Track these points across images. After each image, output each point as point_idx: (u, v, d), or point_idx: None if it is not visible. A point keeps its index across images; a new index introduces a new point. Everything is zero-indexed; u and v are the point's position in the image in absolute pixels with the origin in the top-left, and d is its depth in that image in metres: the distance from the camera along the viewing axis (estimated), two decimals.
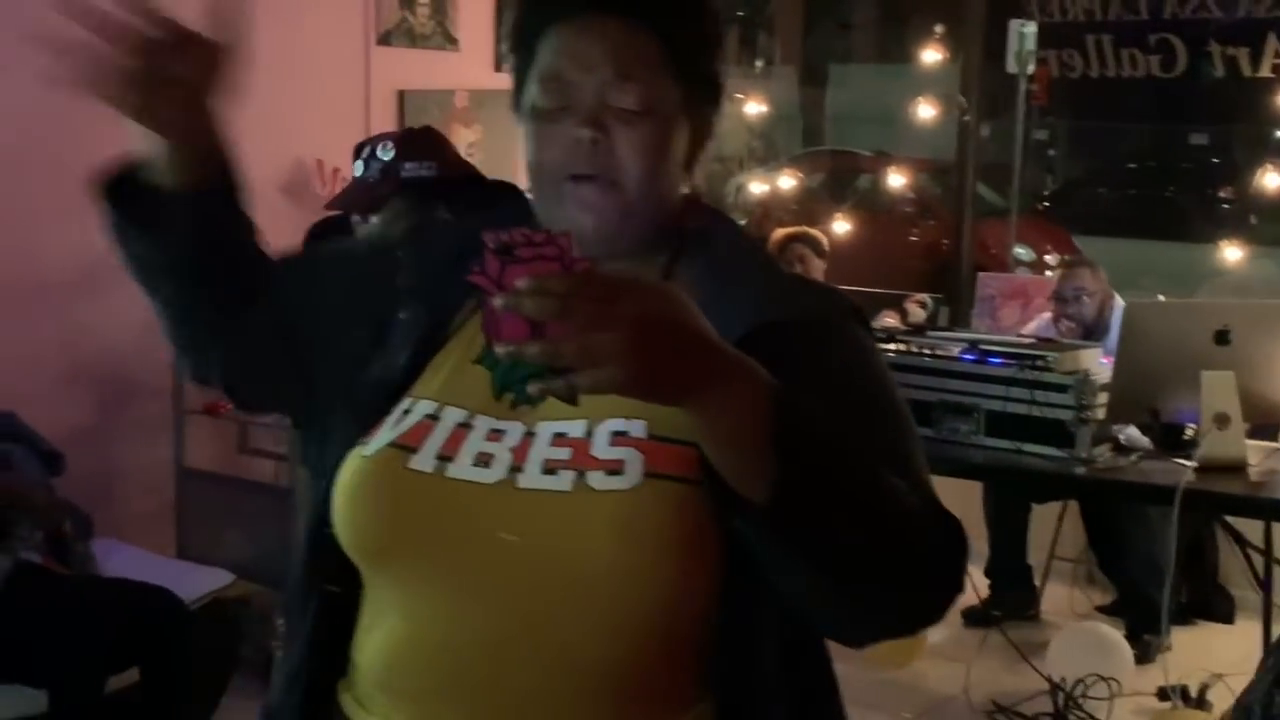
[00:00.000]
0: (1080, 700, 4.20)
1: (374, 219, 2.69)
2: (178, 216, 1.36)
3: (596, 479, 1.21)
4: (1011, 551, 5.08)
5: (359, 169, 2.74)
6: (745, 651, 1.25)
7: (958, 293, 6.34)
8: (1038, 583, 5.16)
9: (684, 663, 1.25)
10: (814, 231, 5.77)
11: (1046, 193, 14.41)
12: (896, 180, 7.81)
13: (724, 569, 1.21)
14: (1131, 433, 4.08)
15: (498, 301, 1.03)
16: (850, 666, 4.80)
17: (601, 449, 1.22)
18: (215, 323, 1.44)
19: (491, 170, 5.73)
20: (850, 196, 10.02)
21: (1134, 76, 8.08)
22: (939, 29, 7.21)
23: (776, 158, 10.03)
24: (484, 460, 1.26)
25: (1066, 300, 5.02)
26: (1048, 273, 6.49)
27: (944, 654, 4.77)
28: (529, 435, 1.27)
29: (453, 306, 1.35)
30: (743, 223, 8.06)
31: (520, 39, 1.36)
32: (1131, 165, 14.86)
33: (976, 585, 4.92)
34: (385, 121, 5.28)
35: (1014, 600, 5.06)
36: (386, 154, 2.70)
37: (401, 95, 5.38)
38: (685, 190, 1.38)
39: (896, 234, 10.05)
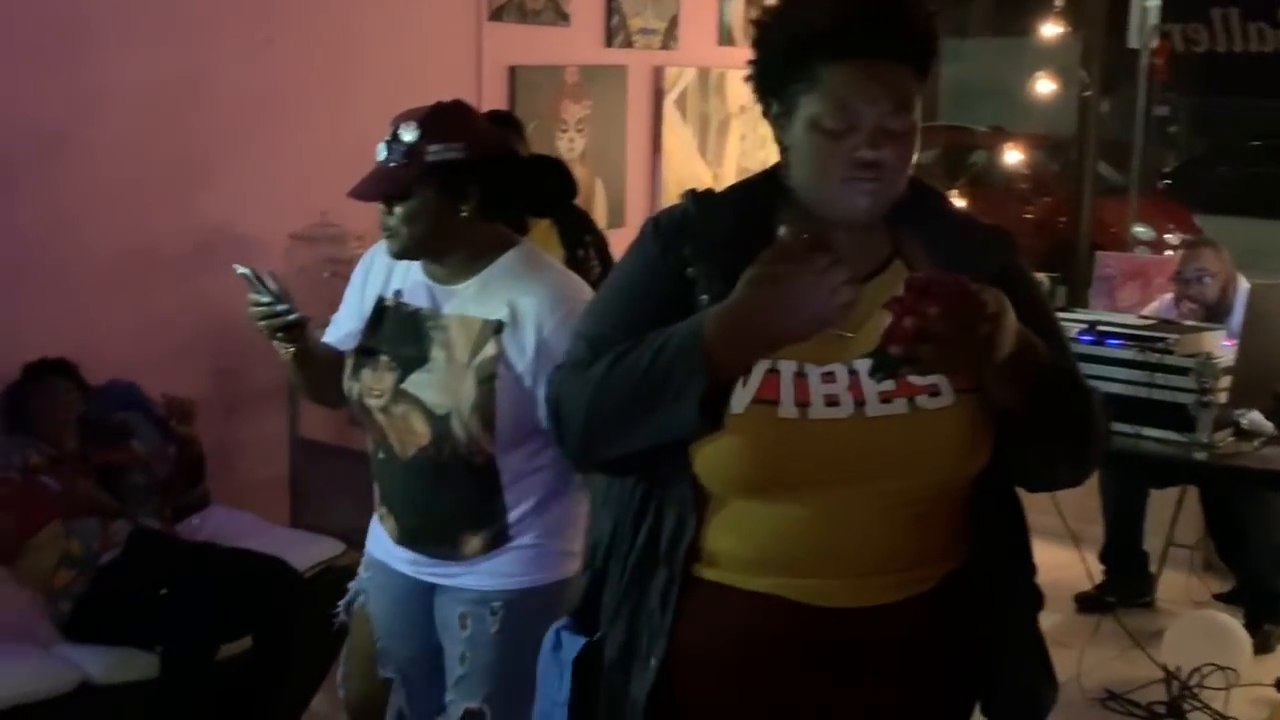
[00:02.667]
0: (1196, 690, 4.10)
1: (399, 208, 2.39)
2: None
3: (924, 401, 1.68)
4: (1128, 537, 4.98)
5: (381, 152, 2.42)
6: (989, 498, 1.76)
7: (1075, 272, 6.22)
8: (1154, 569, 5.05)
9: (960, 513, 1.76)
10: None
11: (1167, 170, 14.08)
12: (1013, 156, 7.65)
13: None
14: (1254, 417, 3.97)
15: (908, 322, 1.49)
16: None
17: (915, 377, 1.65)
18: None
19: (600, 144, 5.78)
20: (964, 173, 9.86)
21: (1261, 51, 7.84)
22: (1059, 2, 7.05)
23: None
24: (833, 401, 1.68)
25: (1188, 281, 4.90)
26: (1168, 252, 6.34)
27: (1056, 640, 4.61)
28: (853, 373, 1.69)
29: (739, 269, 1.65)
30: None
31: (798, 55, 1.70)
32: (1255, 142, 14.46)
33: (1091, 570, 4.82)
34: (497, 97, 5.29)
35: (1129, 586, 4.96)
36: (410, 135, 2.39)
37: (512, 71, 5.39)
38: None
39: (1011, 211, 9.87)
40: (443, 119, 2.41)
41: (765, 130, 6.23)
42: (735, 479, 1.70)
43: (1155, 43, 6.54)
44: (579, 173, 5.66)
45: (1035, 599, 1.91)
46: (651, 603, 1.75)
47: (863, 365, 1.65)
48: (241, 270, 2.46)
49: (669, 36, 5.99)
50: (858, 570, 1.71)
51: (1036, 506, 5.23)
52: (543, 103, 5.49)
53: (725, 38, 6.23)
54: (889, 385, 1.66)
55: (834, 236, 1.71)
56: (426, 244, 2.42)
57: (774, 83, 1.74)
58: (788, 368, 1.68)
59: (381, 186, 2.40)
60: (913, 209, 1.77)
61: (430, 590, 2.53)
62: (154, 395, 4.16)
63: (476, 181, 2.40)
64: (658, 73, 5.94)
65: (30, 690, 3.37)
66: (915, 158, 1.75)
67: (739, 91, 6.25)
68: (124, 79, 4.24)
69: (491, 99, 5.24)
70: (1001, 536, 1.80)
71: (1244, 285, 4.81)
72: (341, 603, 2.75)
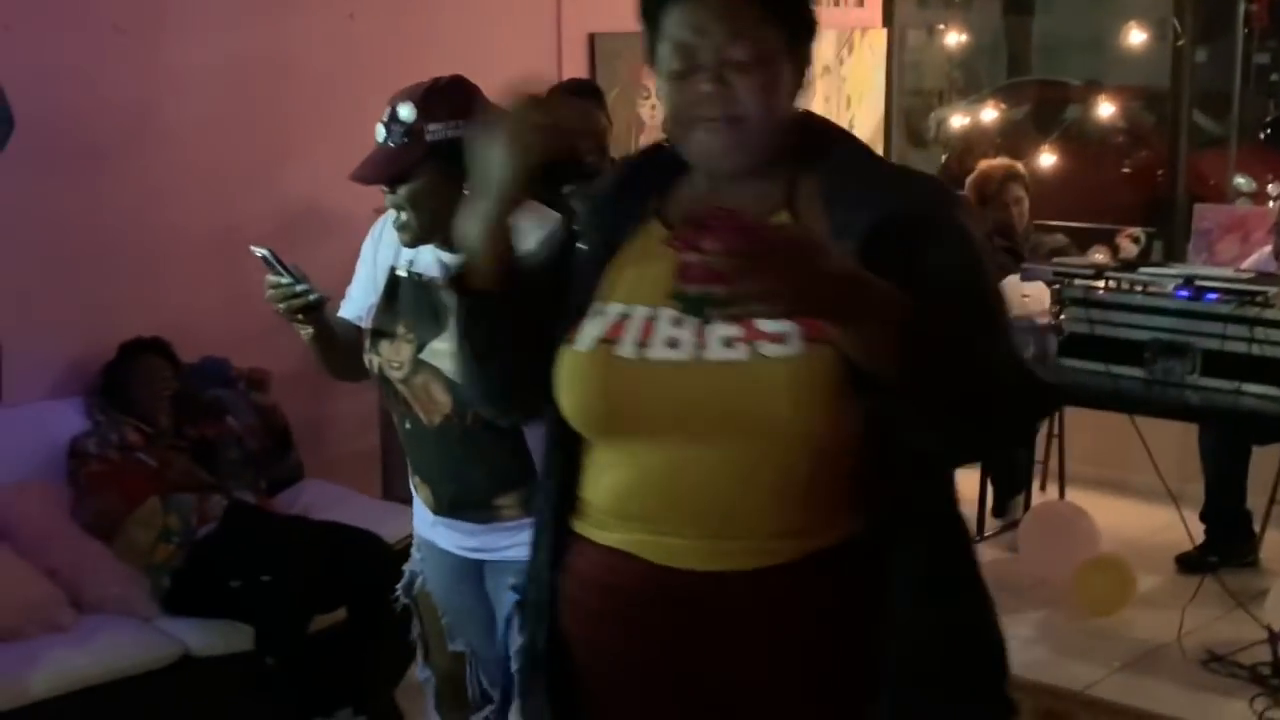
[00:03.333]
0: None
1: (402, 189, 2.34)
2: (501, 307, 1.70)
3: (766, 348, 1.57)
4: (1229, 496, 4.87)
5: (380, 133, 2.37)
6: (885, 472, 1.59)
7: (1172, 226, 6.07)
8: (1257, 528, 4.94)
9: (842, 483, 1.61)
10: (1019, 166, 5.56)
11: (1268, 120, 13.70)
12: (1106, 110, 7.48)
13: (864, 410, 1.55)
14: None
15: (690, 258, 1.36)
16: (1058, 614, 4.70)
17: (766, 323, 1.56)
18: (523, 383, 1.74)
19: None
20: (1057, 128, 9.67)
21: None
22: None
23: (979, 89, 9.73)
24: (673, 343, 1.61)
25: None
26: (1270, 204, 6.17)
27: (1156, 601, 4.61)
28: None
29: (621, 230, 1.70)
30: (944, 158, 7.83)
31: (647, 12, 1.66)
32: None
33: (1192, 531, 4.73)
34: (577, 65, 5.28)
35: (1231, 546, 4.85)
36: (408, 114, 2.33)
37: (592, 38, 5.37)
38: (798, 110, 1.69)
39: (1107, 166, 9.67)
40: (441, 96, 2.35)
41: (850, 90, 6.14)
42: (578, 419, 1.67)
43: None
44: (662, 140, 5.63)
45: (958, 596, 1.69)
46: (539, 555, 1.76)
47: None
48: (259, 251, 2.44)
49: None
50: (707, 531, 1.62)
51: (1135, 465, 5.16)
52: (624, 70, 5.46)
53: None
54: (736, 331, 1.58)
55: (722, 188, 1.66)
56: (435, 228, 2.35)
57: (648, 44, 1.69)
58: (642, 312, 1.64)
59: (383, 169, 2.35)
60: (818, 155, 1.67)
61: (479, 565, 2.53)
62: (244, 371, 4.23)
63: None
64: None
65: (133, 662, 3.44)
66: (795, 95, 1.66)
67: (824, 52, 6.17)
68: (206, 57, 4.28)
69: (572, 67, 5.23)
70: (901, 515, 1.61)
71: None
72: (399, 585, 2.75)
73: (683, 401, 1.60)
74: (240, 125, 4.36)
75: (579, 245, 1.74)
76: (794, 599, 1.63)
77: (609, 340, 1.64)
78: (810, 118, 1.72)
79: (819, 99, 6.20)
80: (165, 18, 4.22)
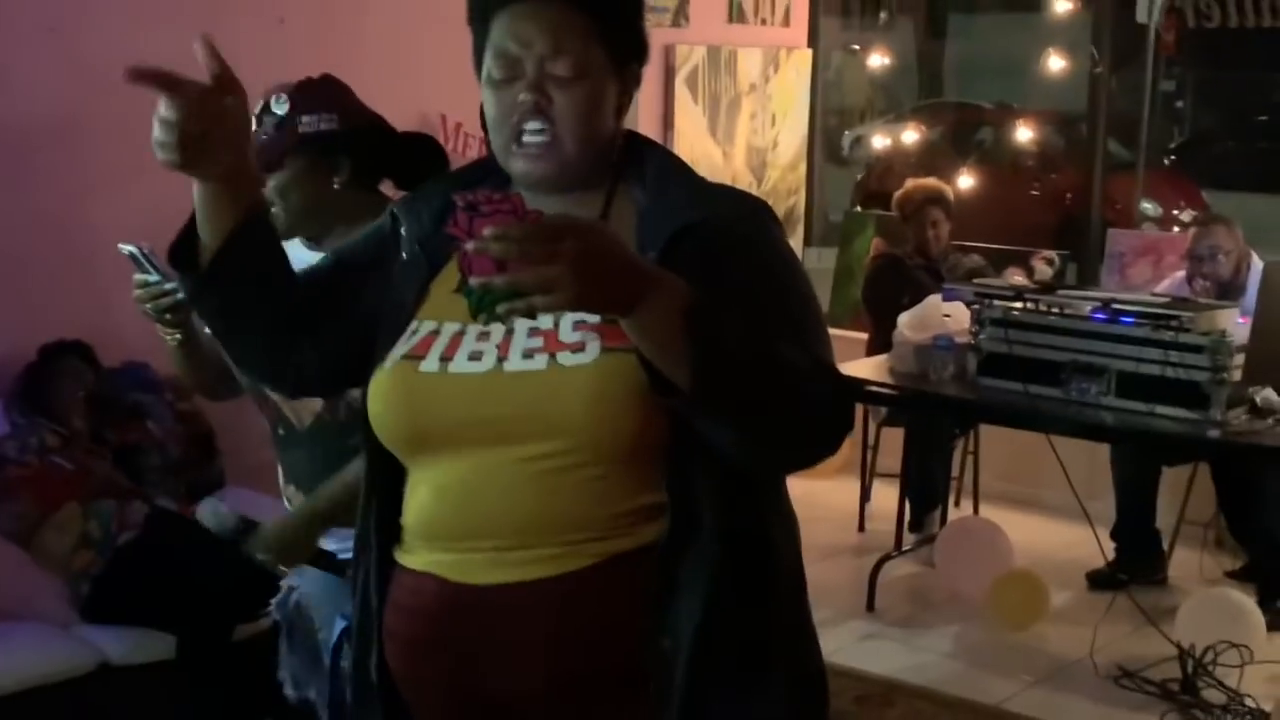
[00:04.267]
0: (1210, 667, 4.11)
1: (272, 180, 2.36)
2: (240, 253, 1.67)
3: (565, 358, 1.57)
4: (1140, 515, 4.98)
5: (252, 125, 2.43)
6: (691, 472, 1.56)
7: (1086, 249, 6.21)
8: (1166, 546, 5.06)
9: (648, 486, 1.59)
10: (945, 189, 5.65)
11: (1174, 146, 14.03)
12: (1022, 134, 7.63)
13: (669, 416, 1.52)
14: (1268, 395, 3.98)
15: (469, 246, 1.35)
16: (972, 628, 4.79)
17: (566, 334, 1.58)
18: (290, 339, 1.75)
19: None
20: (973, 149, 9.84)
21: (1273, 26, 7.81)
22: None
23: (898, 109, 9.88)
24: (476, 356, 1.61)
25: (1202, 259, 4.89)
26: (1176, 229, 6.33)
27: (1068, 617, 4.70)
28: (509, 332, 1.61)
29: (444, 249, 1.66)
30: (860, 176, 7.93)
31: (476, 17, 1.67)
32: (1263, 117, 14.42)
33: (1104, 548, 4.84)
34: None
35: (1141, 564, 4.96)
36: (281, 107, 2.39)
37: None
38: (623, 129, 1.71)
39: (1020, 188, 9.86)
40: (313, 91, 2.42)
41: (776, 107, 6.23)
42: (384, 435, 1.66)
43: (1158, 18, 6.52)
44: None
45: (750, 614, 1.62)
46: (363, 585, 1.74)
47: (522, 324, 1.59)
48: (126, 249, 2.41)
49: (679, 14, 5.98)
50: (503, 543, 1.60)
51: (1048, 482, 5.27)
52: None
53: (736, 15, 6.21)
54: (537, 342, 1.58)
55: (540, 203, 1.58)
56: (303, 219, 2.38)
57: (475, 49, 1.68)
58: (451, 328, 1.64)
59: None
60: (632, 170, 1.68)
61: None
62: (167, 377, 4.17)
63: (348, 153, 2.40)
64: (668, 51, 5.93)
65: (50, 670, 3.39)
66: (618, 114, 1.67)
67: (750, 70, 6.23)
68: (133, 58, 4.22)
69: None
70: (694, 524, 1.57)
71: (1258, 263, 4.80)
72: (274, 600, 2.71)
73: (482, 413, 1.59)
74: None
75: (401, 252, 1.74)
76: (578, 604, 1.59)
77: (414, 356, 1.63)
78: (634, 137, 1.73)
79: (744, 115, 6.26)
80: (96, 18, 4.16)
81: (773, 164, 6.47)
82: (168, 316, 2.43)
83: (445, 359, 1.62)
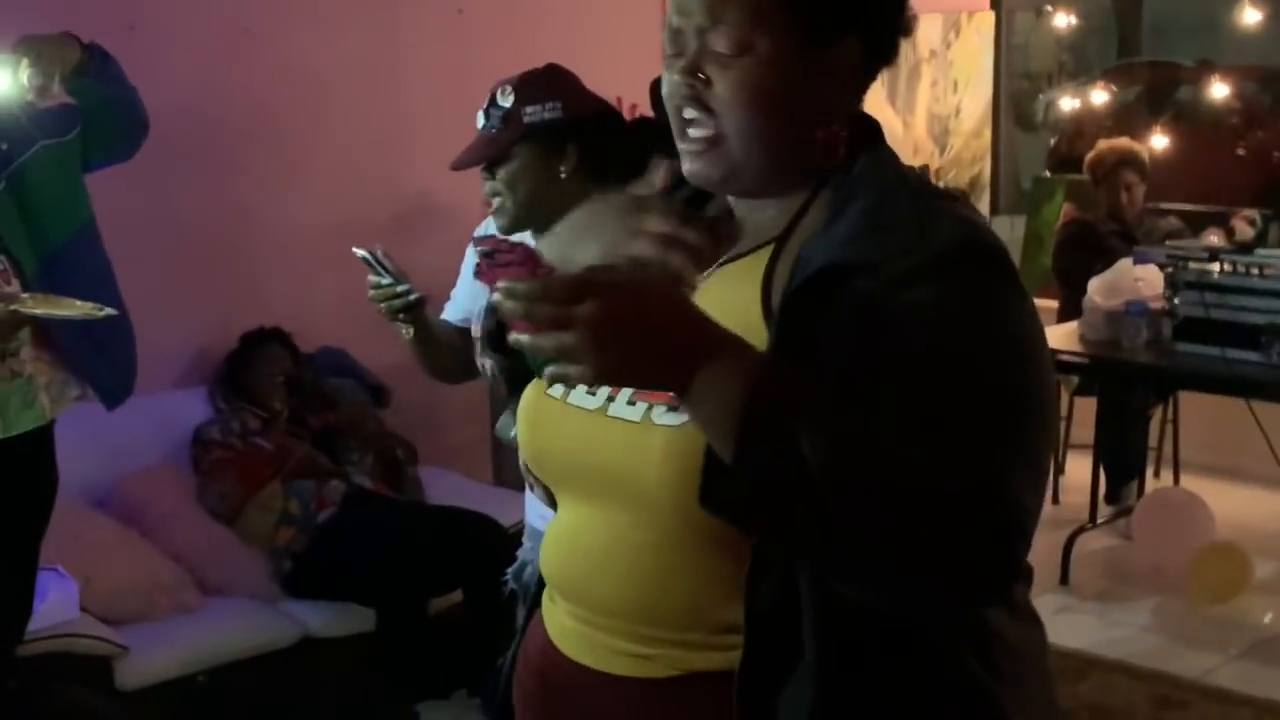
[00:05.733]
0: None
1: (500, 172, 2.39)
2: None
3: (658, 413, 1.29)
4: None
5: (480, 120, 2.44)
6: (777, 587, 1.23)
7: None
8: None
9: (730, 591, 1.26)
10: (1140, 149, 5.48)
11: None
12: (1220, 90, 7.34)
13: None
14: None
15: (494, 298, 1.15)
16: (1171, 601, 4.65)
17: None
18: None
19: None
20: (1169, 109, 9.50)
21: None
22: None
23: (1088, 71, 9.59)
24: (594, 389, 1.36)
25: None
26: None
27: (1273, 589, 4.54)
28: None
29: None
30: (1053, 141, 7.72)
31: None
32: None
33: None
34: None
35: None
36: (506, 100, 2.40)
37: None
38: (847, 120, 1.37)
39: (1221, 147, 9.46)
40: (537, 81, 2.43)
41: (957, 74, 6.10)
42: (525, 459, 1.47)
43: None
44: None
45: None
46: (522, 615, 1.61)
47: None
48: (360, 253, 2.49)
49: None
50: (590, 615, 1.38)
51: (1250, 451, 5.08)
52: None
53: None
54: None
55: (735, 204, 1.42)
56: (531, 209, 2.40)
57: None
58: None
59: (480, 152, 2.42)
60: (847, 178, 1.33)
61: None
62: (362, 362, 4.31)
63: (575, 141, 2.40)
64: None
65: (256, 643, 3.55)
66: (805, 97, 1.32)
67: (929, 35, 6.13)
68: (326, 56, 4.38)
69: None
70: (795, 644, 1.24)
71: None
72: (509, 570, 2.79)
73: (583, 457, 1.37)
74: (359, 121, 4.46)
75: None
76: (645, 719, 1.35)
77: None
78: (863, 133, 1.38)
79: (924, 83, 6.17)
80: (290, 18, 4.32)
81: (955, 131, 6.36)
82: (400, 316, 2.52)
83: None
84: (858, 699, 1.24)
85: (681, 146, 1.37)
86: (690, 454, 1.19)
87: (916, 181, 1.36)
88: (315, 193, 4.41)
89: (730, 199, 1.43)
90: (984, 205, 6.59)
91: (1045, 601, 4.51)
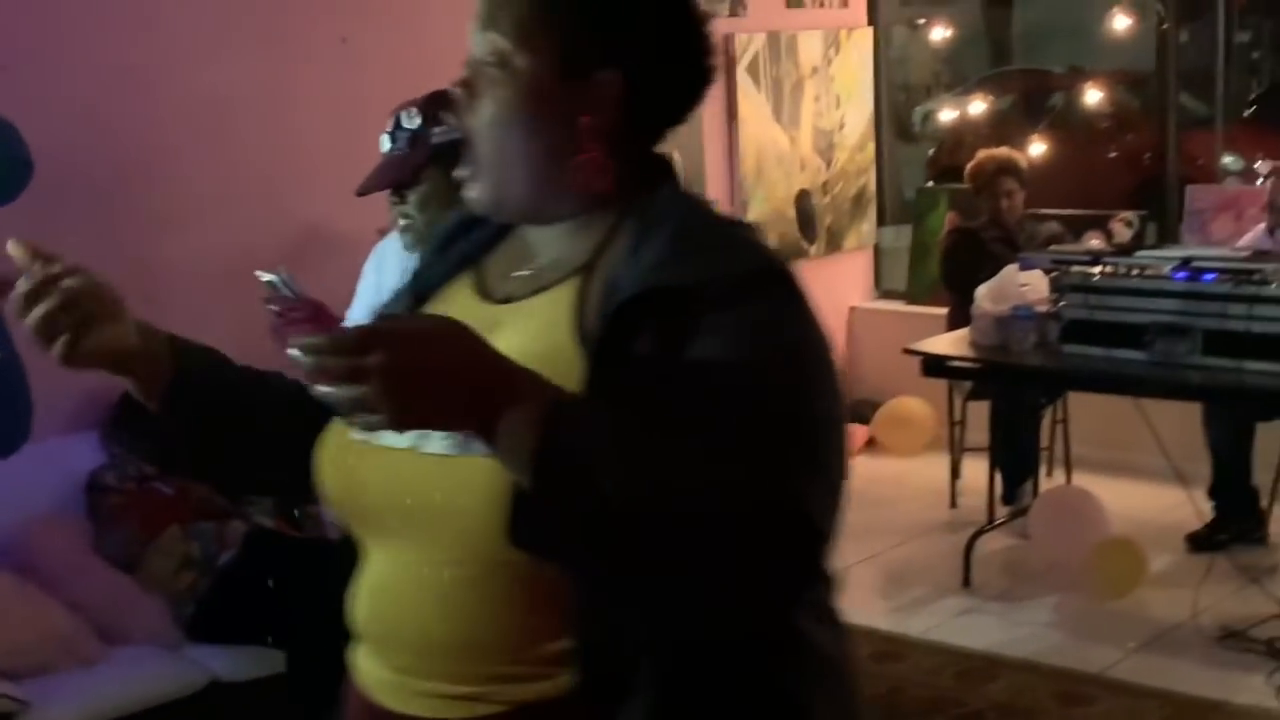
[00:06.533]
0: None
1: (411, 195, 2.37)
2: (183, 415, 1.45)
3: (480, 445, 1.22)
4: (1236, 473, 4.91)
5: (385, 143, 2.42)
6: (602, 615, 1.26)
7: (1165, 209, 6.12)
8: (1264, 504, 4.98)
9: (556, 623, 1.28)
10: (1018, 157, 5.60)
11: (1252, 98, 13.73)
12: (1093, 96, 7.54)
13: None
14: None
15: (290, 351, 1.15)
16: (1071, 598, 4.76)
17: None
18: (279, 463, 1.50)
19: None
20: (1043, 116, 9.73)
21: None
22: None
23: (964, 82, 9.79)
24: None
25: None
26: (1259, 182, 6.21)
27: (1169, 581, 4.65)
28: None
29: (437, 282, 1.48)
30: (931, 151, 7.86)
31: None
32: None
33: (1201, 509, 4.78)
34: None
35: (1240, 523, 4.90)
36: (412, 122, 2.39)
37: None
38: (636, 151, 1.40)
39: (1095, 152, 9.72)
40: (443, 102, 2.39)
41: (840, 89, 6.19)
42: (328, 506, 1.44)
43: None
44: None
45: None
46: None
47: None
48: (265, 277, 2.43)
49: (736, 3, 5.98)
50: (409, 662, 1.36)
51: (1140, 447, 5.20)
52: None
53: (793, 0, 6.20)
54: None
55: (528, 235, 1.43)
56: None
57: None
58: None
59: (390, 175, 2.40)
60: (649, 209, 1.36)
61: None
62: None
63: None
64: (728, 40, 5.93)
65: (162, 691, 3.47)
66: (561, 128, 1.34)
67: (811, 53, 6.22)
68: (209, 89, 4.32)
69: None
70: (623, 670, 1.26)
71: None
72: None
73: (396, 494, 1.34)
74: (243, 154, 4.41)
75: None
76: None
77: None
78: (661, 164, 1.43)
79: (808, 98, 6.25)
80: (171, 52, 4.26)
81: (840, 145, 6.45)
82: None
83: None
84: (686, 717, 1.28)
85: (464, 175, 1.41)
86: (505, 477, 1.20)
87: (710, 212, 1.39)
88: (205, 228, 4.35)
89: (530, 236, 1.44)
90: (870, 218, 6.69)
91: (948, 604, 4.59)
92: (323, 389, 1.13)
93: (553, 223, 1.40)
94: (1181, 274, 4.17)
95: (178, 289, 4.29)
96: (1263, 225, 4.96)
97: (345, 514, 1.43)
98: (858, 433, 6.22)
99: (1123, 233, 5.59)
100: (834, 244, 6.50)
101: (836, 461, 1.27)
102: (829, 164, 6.41)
